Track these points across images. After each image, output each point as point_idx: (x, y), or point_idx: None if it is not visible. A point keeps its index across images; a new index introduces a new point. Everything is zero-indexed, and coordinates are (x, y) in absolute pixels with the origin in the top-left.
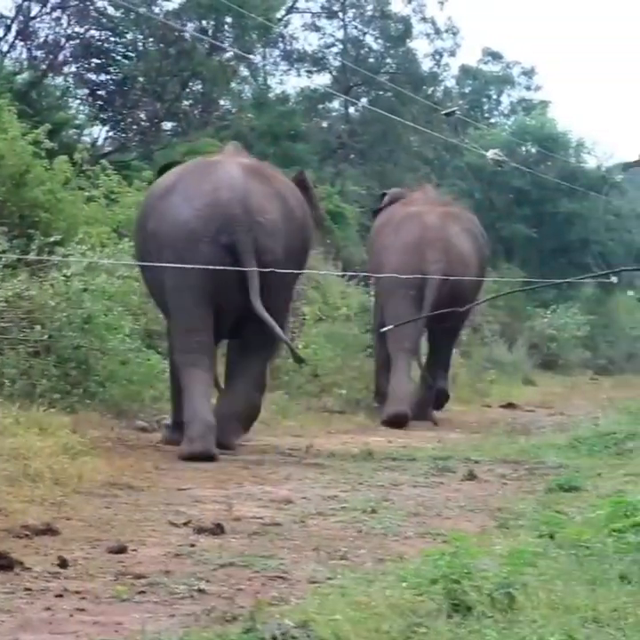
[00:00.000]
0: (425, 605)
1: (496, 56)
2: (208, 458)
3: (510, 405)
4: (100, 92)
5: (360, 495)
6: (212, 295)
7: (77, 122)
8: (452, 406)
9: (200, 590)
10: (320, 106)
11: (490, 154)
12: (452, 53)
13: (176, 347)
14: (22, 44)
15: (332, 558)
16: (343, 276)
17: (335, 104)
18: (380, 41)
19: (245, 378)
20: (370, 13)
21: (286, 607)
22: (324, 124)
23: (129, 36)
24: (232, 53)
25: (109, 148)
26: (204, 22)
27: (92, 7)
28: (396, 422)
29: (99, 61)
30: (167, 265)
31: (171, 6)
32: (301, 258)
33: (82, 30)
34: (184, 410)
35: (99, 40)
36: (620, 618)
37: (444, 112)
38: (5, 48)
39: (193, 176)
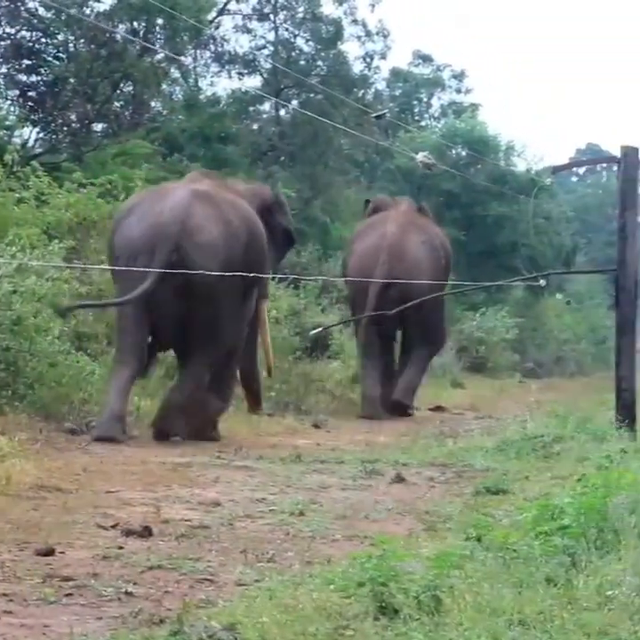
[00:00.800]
0: (352, 608)
1: (426, 59)
2: (109, 440)
3: (439, 408)
4: (30, 93)
5: (288, 498)
6: (146, 303)
7: (8, 123)
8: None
9: (128, 593)
10: (251, 108)
11: (419, 157)
12: (383, 56)
13: (114, 345)
14: None
15: (259, 561)
16: (273, 278)
17: (266, 106)
18: (310, 43)
19: (184, 377)
20: (301, 16)
21: (214, 610)
22: (255, 127)
23: (60, 37)
24: (163, 55)
25: (40, 150)
26: (135, 24)
27: (22, 8)
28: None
29: (29, 62)
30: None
31: (102, 8)
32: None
33: (12, 31)
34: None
35: (29, 41)
36: (546, 620)
37: (374, 115)
38: None
39: (149, 200)
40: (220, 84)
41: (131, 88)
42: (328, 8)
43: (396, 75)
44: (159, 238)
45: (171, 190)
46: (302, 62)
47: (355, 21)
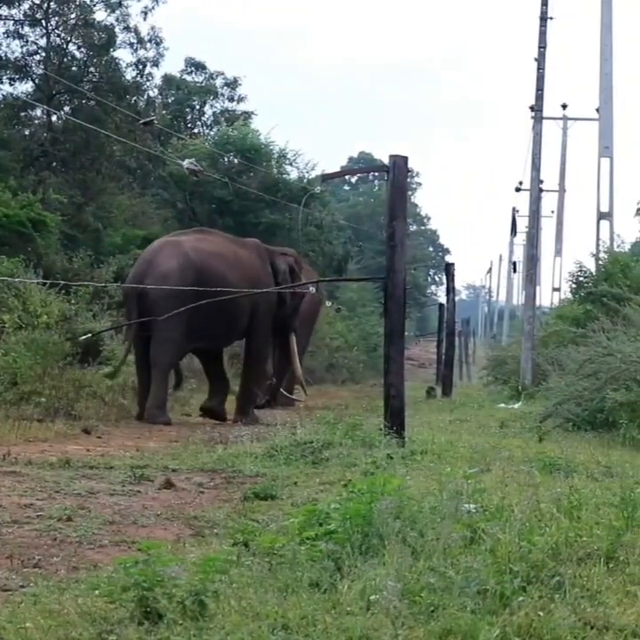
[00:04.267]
0: (116, 613)
1: (199, 66)
2: None
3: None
4: None
5: (56, 503)
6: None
7: None
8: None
9: None
10: (22, 113)
11: (185, 163)
12: (156, 63)
13: None
14: None
15: (25, 566)
16: (44, 284)
17: (38, 112)
18: (83, 49)
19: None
20: (73, 22)
21: None
22: (27, 132)
23: None
24: None
25: None
26: None
27: None
28: None
29: None
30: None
31: None
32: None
33: None
34: None
35: None
36: (309, 625)
37: (142, 121)
38: None
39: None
40: None
41: None
42: (100, 15)
43: (169, 82)
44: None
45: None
46: (74, 68)
47: (127, 28)
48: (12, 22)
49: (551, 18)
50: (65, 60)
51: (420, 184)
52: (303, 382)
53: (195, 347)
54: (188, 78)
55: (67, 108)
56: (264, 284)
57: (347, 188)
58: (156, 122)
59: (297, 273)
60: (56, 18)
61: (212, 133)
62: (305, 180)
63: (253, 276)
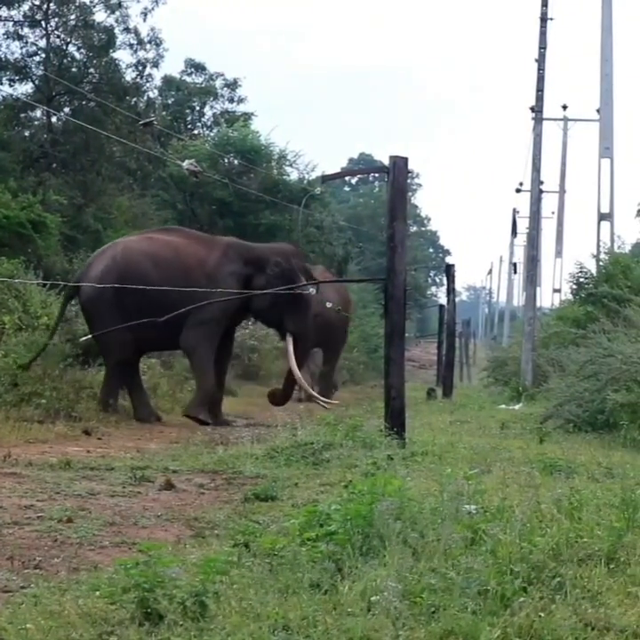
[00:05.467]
0: (117, 614)
1: (199, 67)
2: None
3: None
4: None
5: (57, 504)
6: None
7: None
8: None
9: None
10: (22, 115)
11: (185, 164)
12: (156, 64)
13: None
14: None
15: (26, 567)
16: (45, 285)
17: (38, 113)
18: (82, 51)
19: None
20: (73, 23)
21: None
22: (27, 133)
23: None
24: None
25: None
26: None
27: None
28: None
29: None
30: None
31: None
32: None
33: None
34: None
35: None
36: (310, 625)
37: (141, 122)
38: None
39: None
40: None
41: None
42: (100, 16)
43: (169, 83)
44: None
45: None
46: (74, 69)
47: (127, 29)
48: (12, 23)
49: (551, 19)
50: (65, 61)
51: (420, 185)
52: (308, 388)
53: (143, 351)
54: (188, 79)
55: (66, 110)
56: (201, 285)
57: (347, 189)
58: (155, 123)
59: (295, 270)
60: (56, 19)
61: (212, 134)
62: (305, 181)
63: (188, 277)
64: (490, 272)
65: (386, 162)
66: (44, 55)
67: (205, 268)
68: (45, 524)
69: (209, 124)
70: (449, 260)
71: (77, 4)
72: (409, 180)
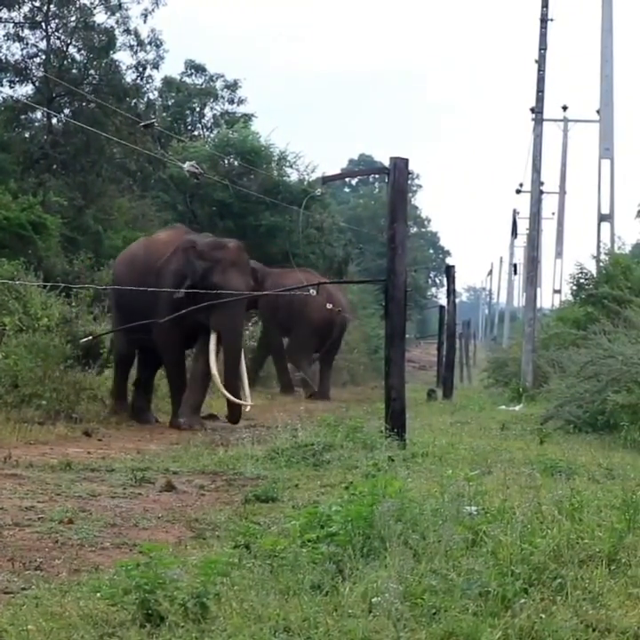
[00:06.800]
0: (118, 615)
1: (199, 69)
2: None
3: (211, 417)
4: None
5: (57, 506)
6: None
7: None
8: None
9: None
10: (22, 116)
11: (186, 166)
12: (156, 65)
13: None
14: None
15: (27, 569)
16: (45, 286)
17: (38, 114)
18: (83, 52)
19: None
20: (73, 24)
21: None
22: (27, 135)
23: None
24: None
25: None
26: None
27: None
28: None
29: None
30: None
31: None
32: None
33: None
34: None
35: None
36: (311, 627)
37: (142, 124)
38: None
39: None
40: None
41: None
42: (100, 17)
43: (169, 84)
44: None
45: None
46: (74, 71)
47: (127, 31)
48: (12, 25)
49: (552, 20)
50: (65, 62)
51: (420, 186)
52: (221, 386)
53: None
54: (188, 81)
55: (67, 111)
56: (151, 284)
57: (347, 190)
58: (156, 124)
59: (206, 265)
60: (56, 20)
61: (212, 136)
62: (305, 183)
63: (145, 275)
64: (490, 273)
65: (386, 163)
66: (44, 57)
67: (151, 269)
68: (46, 525)
69: (209, 125)
70: (449, 261)
71: (78, 5)
72: (409, 181)
